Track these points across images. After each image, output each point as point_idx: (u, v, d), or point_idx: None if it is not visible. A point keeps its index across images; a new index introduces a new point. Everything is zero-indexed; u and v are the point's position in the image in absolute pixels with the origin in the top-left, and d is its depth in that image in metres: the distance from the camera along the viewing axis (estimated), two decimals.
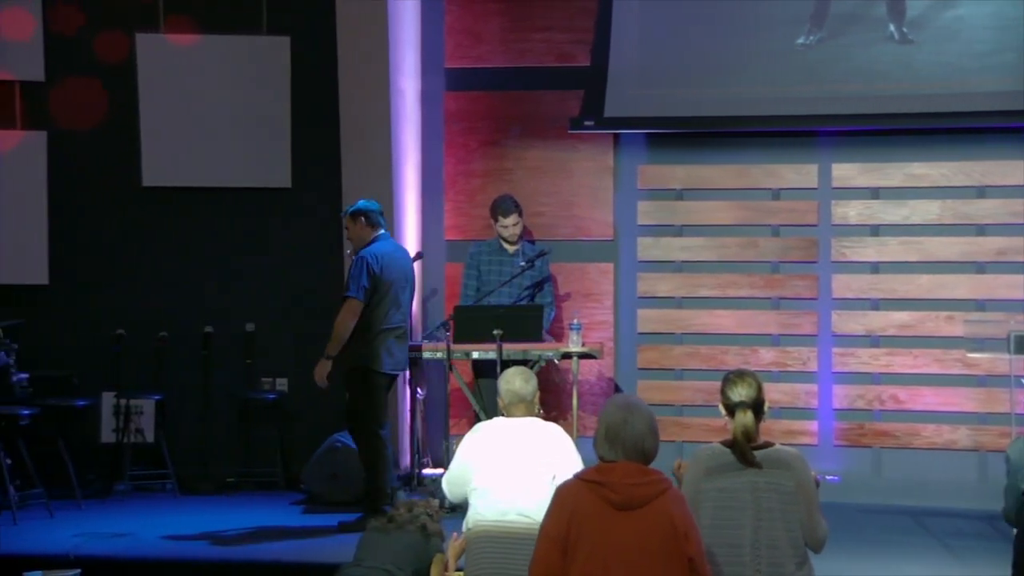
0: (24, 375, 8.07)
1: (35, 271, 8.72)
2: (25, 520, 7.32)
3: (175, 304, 8.73)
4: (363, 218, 7.28)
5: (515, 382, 5.09)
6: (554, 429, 5.09)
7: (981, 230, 8.23)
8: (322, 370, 7.13)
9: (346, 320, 7.10)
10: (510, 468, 4.91)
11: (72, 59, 8.71)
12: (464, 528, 5.00)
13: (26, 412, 7.68)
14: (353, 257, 7.27)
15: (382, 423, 7.19)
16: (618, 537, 3.87)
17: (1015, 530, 4.92)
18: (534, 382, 5.15)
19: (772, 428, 4.70)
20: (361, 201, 7.37)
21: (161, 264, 8.80)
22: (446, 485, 5.17)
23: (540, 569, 3.95)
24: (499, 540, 4.83)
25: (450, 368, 7.81)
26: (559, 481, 4.82)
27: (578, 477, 4.03)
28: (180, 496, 8.16)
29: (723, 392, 4.48)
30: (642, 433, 3.97)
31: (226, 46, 8.73)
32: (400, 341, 7.26)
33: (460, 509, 5.70)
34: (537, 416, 5.16)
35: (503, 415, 5.16)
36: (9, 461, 7.55)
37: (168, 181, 8.76)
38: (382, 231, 7.31)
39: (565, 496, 3.99)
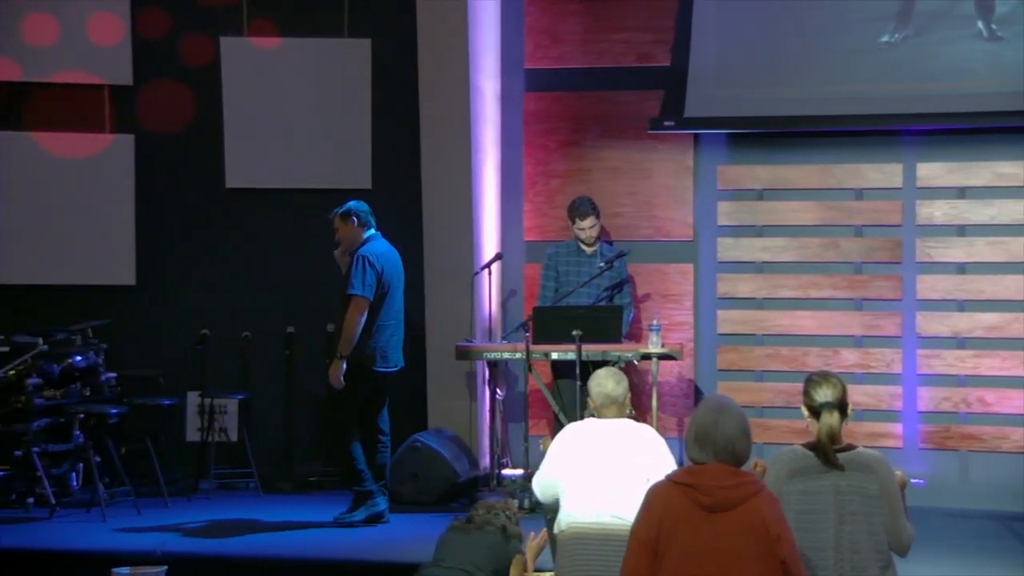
0: (112, 375, 8.25)
1: (122, 272, 8.87)
2: (113, 517, 7.44)
3: (258, 304, 8.84)
4: (355, 218, 7.34)
5: (607, 384, 5.08)
6: (647, 431, 5.07)
7: None
8: (336, 371, 7.17)
9: (355, 318, 7.16)
10: (604, 470, 4.90)
11: (159, 63, 8.86)
12: (556, 528, 4.99)
13: (114, 411, 7.82)
14: (345, 257, 7.32)
15: (353, 421, 7.28)
16: (709, 540, 3.84)
17: None
18: (625, 383, 5.14)
19: (855, 431, 4.64)
20: (351, 202, 7.42)
21: (244, 265, 8.92)
22: (537, 486, 5.17)
23: (630, 571, 3.94)
24: (595, 542, 4.82)
25: (529, 369, 7.82)
26: (653, 482, 4.81)
27: (668, 479, 4.01)
28: (263, 495, 8.25)
29: (807, 393, 4.43)
30: (733, 435, 3.94)
31: (308, 49, 8.82)
32: (394, 340, 7.33)
33: (539, 509, 5.72)
34: (628, 417, 5.15)
35: (593, 416, 5.14)
36: (98, 459, 7.70)
37: (251, 183, 8.87)
38: (374, 231, 7.36)
39: (655, 498, 3.97)
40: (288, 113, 8.81)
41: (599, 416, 5.10)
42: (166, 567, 5.91)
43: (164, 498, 7.88)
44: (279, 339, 8.76)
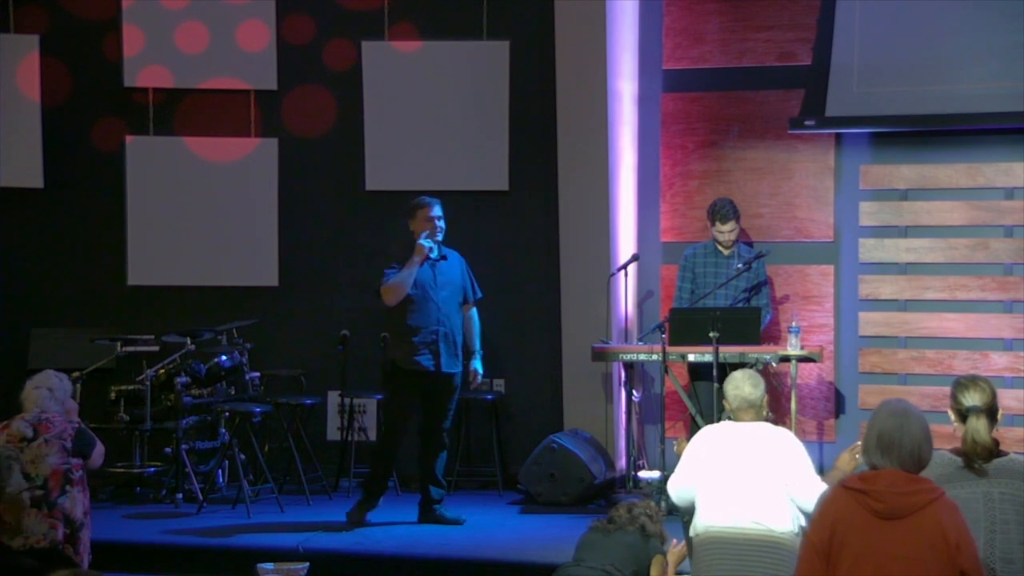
0: (256, 374, 8.44)
1: (266, 273, 9.06)
2: (258, 514, 7.61)
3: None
4: None
5: (744, 387, 5.02)
6: (785, 435, 5.01)
7: None
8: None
9: None
10: (741, 474, 4.86)
11: (302, 68, 9.03)
12: (692, 532, 4.96)
13: (258, 410, 8.00)
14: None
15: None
16: (884, 547, 3.75)
17: None
18: (762, 386, 5.08)
19: (1005, 436, 4.51)
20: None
21: (383, 267, 9.00)
22: (672, 489, 5.14)
23: None
24: (733, 546, 4.78)
25: (665, 370, 7.78)
26: (792, 487, 4.74)
27: (842, 484, 3.92)
28: (402, 494, 8.33)
29: (954, 397, 4.33)
30: (919, 440, 3.84)
31: (447, 52, 8.91)
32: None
33: (675, 512, 5.68)
34: (766, 421, 5.08)
35: (729, 419, 5.10)
36: (243, 457, 7.89)
37: (390, 185, 8.97)
38: None
39: (828, 504, 3.90)
40: (427, 116, 8.91)
41: (735, 419, 5.05)
42: (308, 564, 6.04)
43: (306, 496, 8.03)
44: None
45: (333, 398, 8.79)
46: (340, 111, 9.03)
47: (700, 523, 4.91)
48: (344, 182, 9.06)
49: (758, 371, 7.60)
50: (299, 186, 9.09)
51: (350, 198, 9.07)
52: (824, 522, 3.85)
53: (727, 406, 5.10)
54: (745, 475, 4.85)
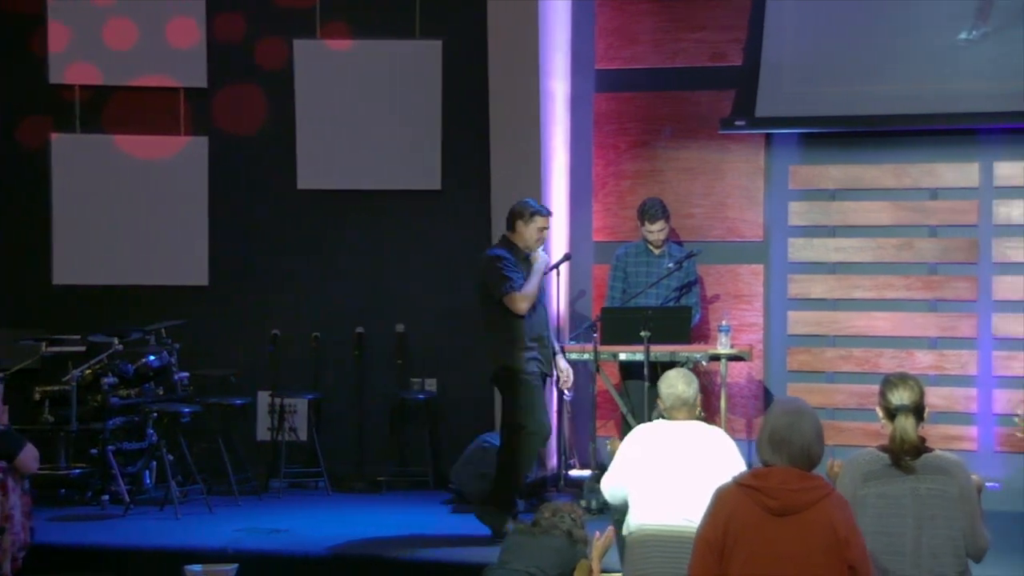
0: (185, 374, 8.36)
1: (196, 272, 8.98)
2: (186, 515, 7.53)
3: (328, 305, 8.91)
4: None
5: (678, 385, 5.04)
6: (718, 433, 5.03)
7: None
8: None
9: None
10: (675, 473, 4.87)
11: (233, 66, 8.95)
12: (625, 531, 4.97)
13: (187, 410, 7.91)
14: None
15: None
16: (776, 543, 3.79)
17: None
18: (696, 385, 5.10)
19: (930, 433, 4.57)
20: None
21: (315, 266, 8.99)
22: (605, 487, 5.14)
23: (696, 573, 3.91)
24: (665, 544, 4.79)
25: (597, 370, 7.79)
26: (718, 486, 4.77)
27: (735, 481, 3.96)
28: (332, 494, 8.30)
29: (883, 395, 4.37)
30: (809, 439, 3.88)
31: (380, 50, 8.87)
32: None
33: (607, 510, 5.69)
34: (699, 419, 5.11)
35: (663, 418, 5.11)
36: (171, 457, 7.80)
37: (322, 184, 8.93)
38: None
39: (721, 500, 3.93)
40: (360, 115, 8.87)
41: (669, 418, 5.06)
42: (237, 565, 5.97)
43: (235, 496, 7.96)
44: (349, 340, 8.81)
45: (263, 398, 8.73)
46: (271, 109, 8.96)
47: (634, 521, 4.92)
48: (275, 181, 8.99)
49: (689, 370, 7.68)
50: (230, 184, 9.01)
51: (282, 197, 9.00)
52: (717, 519, 3.88)
53: (661, 405, 5.11)
54: (678, 473, 4.87)
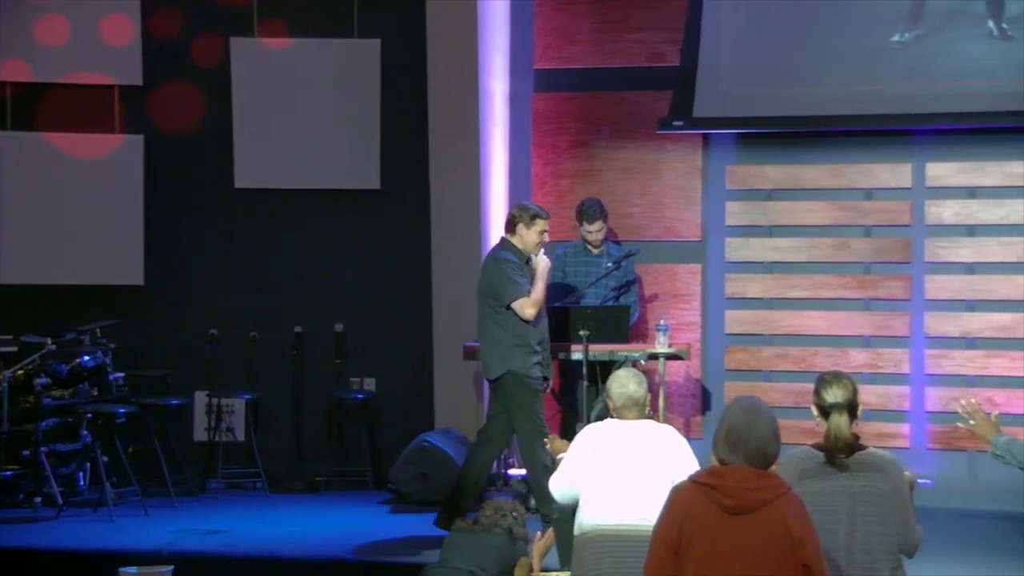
0: (120, 374, 8.27)
1: (131, 272, 8.87)
2: (121, 517, 7.45)
3: (266, 304, 8.85)
4: None
5: (629, 385, 5.03)
6: (670, 431, 5.03)
7: None
8: None
9: None
10: (628, 472, 4.86)
11: (169, 63, 8.85)
12: (577, 530, 4.95)
13: (122, 411, 7.83)
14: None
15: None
16: (731, 542, 3.79)
17: None
18: (646, 384, 5.10)
19: (864, 431, 4.62)
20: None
21: (253, 265, 8.92)
22: (555, 487, 5.09)
23: (652, 572, 3.89)
24: (620, 543, 4.77)
25: None
26: (675, 484, 4.79)
27: (691, 479, 3.95)
28: (270, 494, 8.26)
29: (817, 393, 4.40)
30: (766, 438, 3.87)
31: (318, 49, 8.82)
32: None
33: (543, 510, 5.70)
34: (648, 418, 5.12)
35: (611, 417, 5.11)
36: (105, 458, 7.71)
37: (260, 183, 8.86)
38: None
39: (677, 499, 3.93)
40: (298, 113, 8.81)
41: (619, 417, 5.05)
42: (173, 567, 5.91)
43: (171, 498, 7.89)
44: (287, 339, 8.76)
45: (200, 398, 8.66)
46: (208, 107, 8.87)
47: (586, 521, 4.89)
48: (212, 179, 8.91)
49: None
50: (166, 183, 8.92)
51: (219, 195, 8.92)
52: (673, 517, 3.88)
53: (611, 404, 5.10)
54: (632, 472, 4.86)
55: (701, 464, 4.85)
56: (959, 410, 4.98)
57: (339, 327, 8.82)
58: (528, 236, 6.86)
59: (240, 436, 8.60)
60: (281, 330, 8.78)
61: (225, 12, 8.85)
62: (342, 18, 8.80)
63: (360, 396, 8.71)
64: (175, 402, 8.36)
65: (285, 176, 8.84)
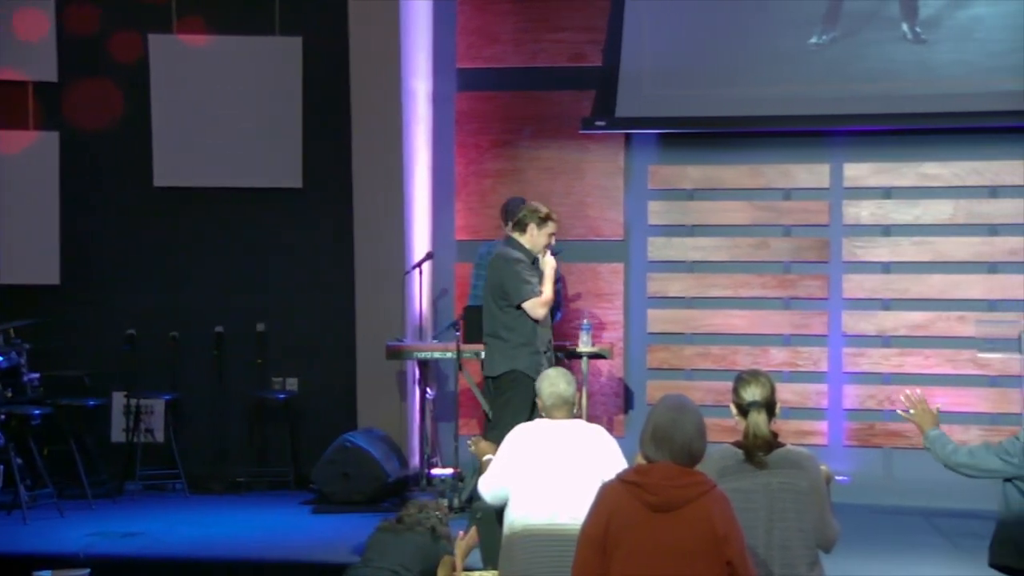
0: (35, 375, 8.12)
1: (47, 271, 8.74)
2: (35, 520, 7.33)
3: (186, 304, 8.76)
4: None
5: (559, 384, 5.05)
6: (599, 431, 5.05)
7: (994, 230, 8.20)
8: None
9: None
10: (558, 471, 4.87)
11: (85, 60, 8.73)
12: (507, 530, 4.95)
13: (37, 412, 7.70)
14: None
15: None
16: (656, 538, 3.82)
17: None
18: (575, 384, 5.12)
19: (783, 428, 4.68)
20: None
21: (172, 264, 8.82)
22: (486, 488, 5.08)
23: (580, 570, 3.93)
24: (550, 542, 4.78)
25: (460, 368, 7.80)
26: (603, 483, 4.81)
27: (618, 477, 3.99)
28: (190, 496, 8.17)
29: (736, 392, 4.45)
30: (691, 435, 3.92)
31: (238, 47, 8.74)
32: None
33: (469, 509, 5.69)
34: (577, 418, 5.13)
35: (541, 416, 5.12)
36: (20, 461, 7.58)
37: (180, 181, 8.77)
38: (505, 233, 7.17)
39: (604, 496, 3.96)
40: (218, 111, 8.72)
41: (549, 416, 5.07)
42: (89, 570, 5.82)
43: (88, 500, 7.76)
44: (207, 339, 8.68)
45: (118, 399, 8.54)
46: (126, 105, 8.75)
47: (517, 520, 4.89)
48: (131, 178, 8.80)
49: None
50: (82, 181, 8.80)
51: (137, 194, 8.81)
52: (600, 514, 3.92)
53: (540, 404, 5.12)
54: (561, 471, 4.87)
55: (629, 463, 4.89)
56: (902, 398, 5.10)
57: (261, 327, 8.75)
58: (538, 237, 6.92)
59: (159, 437, 8.50)
60: (201, 330, 8.69)
61: (143, 8, 8.74)
62: (263, 16, 8.73)
63: (282, 396, 8.65)
64: (92, 403, 8.25)
65: (205, 175, 8.75)
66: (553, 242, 6.99)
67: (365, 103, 8.47)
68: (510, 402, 6.74)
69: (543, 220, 6.90)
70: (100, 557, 6.41)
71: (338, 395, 8.54)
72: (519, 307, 6.77)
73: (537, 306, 6.77)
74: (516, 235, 6.94)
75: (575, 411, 5.14)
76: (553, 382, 5.06)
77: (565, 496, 4.81)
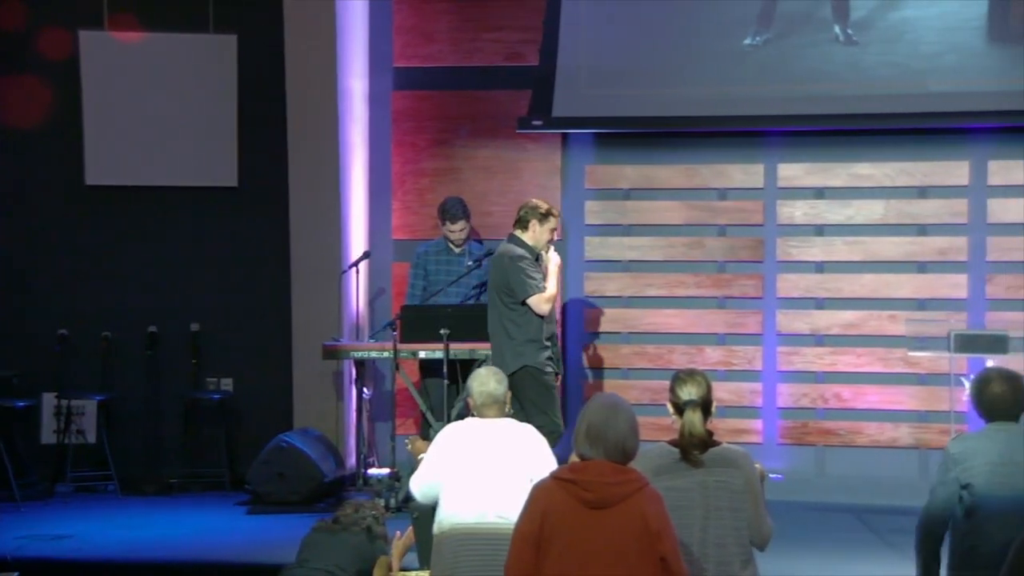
0: None
1: None
2: None
3: (119, 304, 8.66)
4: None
5: (489, 383, 5.06)
6: (529, 430, 5.07)
7: (923, 230, 8.32)
8: None
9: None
10: (487, 470, 4.88)
11: (13, 56, 8.60)
12: (436, 528, 4.95)
13: None
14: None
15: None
16: (590, 535, 3.86)
17: (926, 529, 4.69)
18: (506, 383, 5.14)
19: (718, 427, 4.73)
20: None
21: (105, 264, 8.72)
22: (416, 486, 5.09)
23: (514, 568, 3.95)
24: (478, 541, 4.79)
25: (397, 368, 7.79)
26: (535, 482, 4.83)
27: (552, 476, 4.02)
28: (123, 497, 8.08)
29: (672, 391, 4.48)
30: (624, 433, 3.96)
31: (172, 44, 8.66)
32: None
33: (405, 509, 5.68)
34: (508, 417, 5.14)
35: (472, 415, 5.13)
36: None
37: (112, 180, 8.67)
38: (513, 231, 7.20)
39: (539, 495, 3.99)
40: (151, 109, 8.63)
41: (480, 415, 5.07)
42: (18, 573, 5.75)
43: (17, 503, 7.67)
44: (141, 339, 8.59)
45: (49, 400, 8.44)
46: (57, 102, 8.63)
47: (445, 518, 4.90)
48: (62, 176, 8.70)
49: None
50: (12, 180, 8.69)
51: (68, 193, 8.70)
52: (534, 512, 3.95)
53: (471, 403, 5.12)
54: (491, 470, 4.88)
55: (560, 462, 4.90)
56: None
57: (195, 326, 8.67)
58: (541, 233, 7.05)
59: (91, 438, 8.40)
60: (134, 330, 8.61)
61: (73, 4, 8.66)
62: (197, 13, 8.66)
63: (216, 396, 8.58)
64: (21, 404, 8.16)
65: (139, 173, 8.67)
66: (556, 237, 7.15)
67: (301, 102, 8.43)
68: (534, 403, 6.87)
69: (544, 216, 7.05)
70: (30, 560, 6.34)
71: (274, 395, 8.49)
72: (524, 303, 6.87)
73: (542, 302, 6.92)
74: (518, 232, 7.09)
75: (508, 410, 5.16)
76: (483, 381, 5.08)
77: (493, 495, 4.83)
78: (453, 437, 5.05)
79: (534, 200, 7.21)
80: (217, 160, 8.67)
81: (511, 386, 6.76)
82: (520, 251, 6.98)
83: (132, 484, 8.26)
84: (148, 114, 8.63)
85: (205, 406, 8.60)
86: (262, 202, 8.65)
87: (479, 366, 5.87)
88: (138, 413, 8.59)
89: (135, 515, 7.49)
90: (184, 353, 8.64)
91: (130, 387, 8.59)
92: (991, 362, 6.45)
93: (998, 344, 7.00)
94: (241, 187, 8.69)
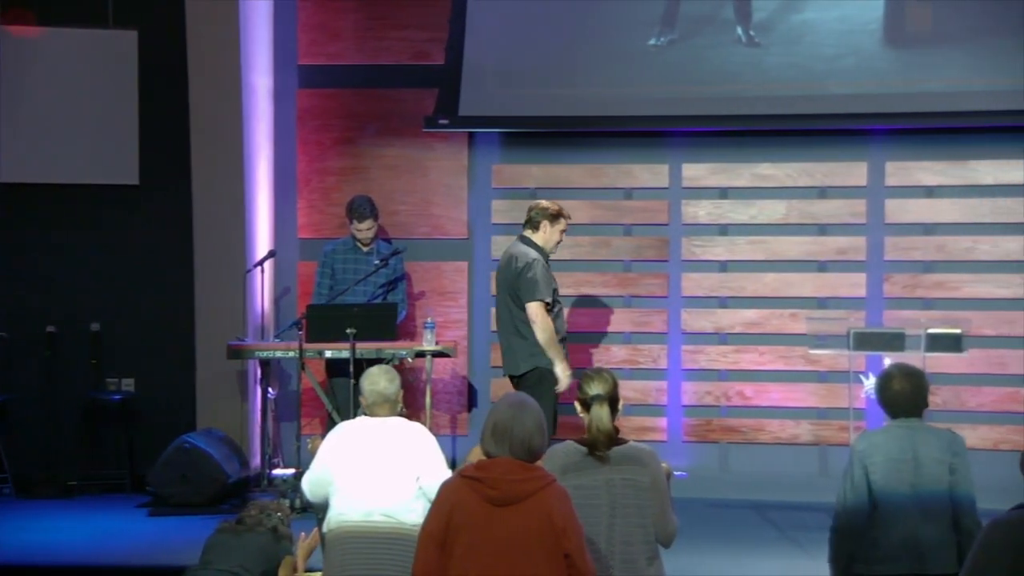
0: None
1: None
2: None
3: (17, 303, 8.49)
4: None
5: (380, 382, 5.05)
6: (418, 428, 5.07)
7: (823, 230, 8.47)
8: None
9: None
10: (374, 468, 4.88)
11: None
12: (325, 528, 4.94)
13: None
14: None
15: None
16: (495, 532, 3.88)
17: (845, 530, 4.70)
18: (398, 381, 5.13)
19: (623, 425, 4.76)
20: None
21: (2, 262, 8.52)
22: (307, 485, 5.09)
23: (419, 566, 3.97)
24: (364, 540, 4.80)
25: (302, 367, 7.73)
26: (424, 481, 4.83)
27: (459, 474, 4.05)
28: (19, 500, 7.93)
29: (580, 388, 4.54)
30: (530, 431, 4.01)
31: (70, 39, 8.49)
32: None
33: (310, 509, 5.64)
34: (401, 416, 5.14)
35: (365, 414, 5.12)
36: None
37: (7, 178, 8.49)
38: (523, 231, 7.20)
39: (445, 493, 4.01)
40: (49, 106, 8.46)
41: (371, 414, 5.07)
42: None
43: None
44: (39, 339, 8.42)
45: None
46: None
47: (333, 517, 4.91)
48: None
49: (394, 366, 7.72)
50: None
51: None
52: (440, 511, 3.97)
53: (363, 401, 5.12)
54: (378, 469, 4.89)
55: (452, 461, 4.91)
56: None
57: (95, 326, 8.53)
58: (552, 233, 7.10)
59: None
60: (32, 329, 8.44)
61: None
62: (96, 7, 8.50)
63: (117, 397, 8.45)
64: None
65: (35, 170, 8.50)
66: (564, 238, 7.21)
67: (204, 98, 8.33)
68: (542, 403, 6.77)
69: (555, 217, 7.10)
70: None
71: (177, 395, 8.38)
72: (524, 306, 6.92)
73: (536, 312, 6.92)
74: (529, 233, 7.13)
75: (400, 409, 5.16)
76: (374, 380, 5.07)
77: (380, 494, 4.84)
78: (343, 436, 5.05)
79: (543, 201, 7.24)
80: (118, 157, 8.53)
81: (523, 386, 6.85)
82: (533, 253, 7.03)
83: (29, 487, 8.10)
84: (46, 110, 8.46)
85: (105, 407, 8.46)
86: (164, 200, 8.53)
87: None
88: (36, 414, 8.42)
89: (32, 518, 7.35)
90: (84, 353, 8.49)
91: (27, 388, 8.42)
92: (888, 360, 6.58)
93: (895, 342, 7.14)
94: (143, 185, 8.56)
